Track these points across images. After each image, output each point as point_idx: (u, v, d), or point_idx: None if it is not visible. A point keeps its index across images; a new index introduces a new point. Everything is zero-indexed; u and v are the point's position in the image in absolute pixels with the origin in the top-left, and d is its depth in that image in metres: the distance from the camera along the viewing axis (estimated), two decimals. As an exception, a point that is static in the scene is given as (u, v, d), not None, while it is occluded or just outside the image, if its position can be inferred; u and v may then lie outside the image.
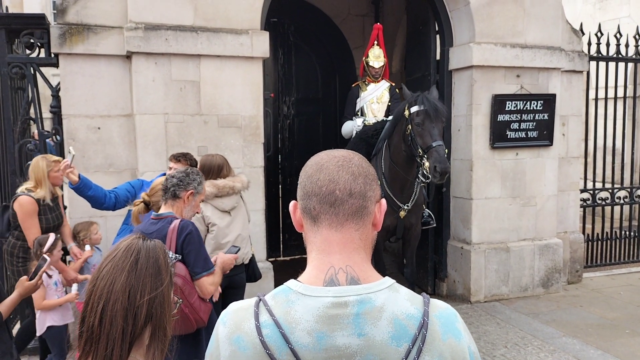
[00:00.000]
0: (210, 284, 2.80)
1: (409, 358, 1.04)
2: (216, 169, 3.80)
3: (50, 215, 4.16)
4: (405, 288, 1.14)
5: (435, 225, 5.82)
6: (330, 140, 8.10)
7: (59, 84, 4.87)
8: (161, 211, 2.85)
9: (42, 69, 4.96)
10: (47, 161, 4.11)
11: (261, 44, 5.04)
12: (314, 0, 8.10)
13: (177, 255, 2.68)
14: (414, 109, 4.71)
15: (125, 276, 1.27)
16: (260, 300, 1.12)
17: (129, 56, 4.84)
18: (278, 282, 5.58)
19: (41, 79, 4.94)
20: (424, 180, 4.94)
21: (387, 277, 1.13)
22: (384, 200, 1.20)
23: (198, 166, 3.92)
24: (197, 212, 3.02)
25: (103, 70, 4.87)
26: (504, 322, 5.38)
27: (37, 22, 4.83)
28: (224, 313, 1.18)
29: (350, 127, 6.09)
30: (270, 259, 5.99)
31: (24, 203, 4.03)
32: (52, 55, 4.79)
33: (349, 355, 1.04)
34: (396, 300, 1.08)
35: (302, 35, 8.10)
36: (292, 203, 1.22)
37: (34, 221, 4.03)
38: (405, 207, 5.15)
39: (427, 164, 4.60)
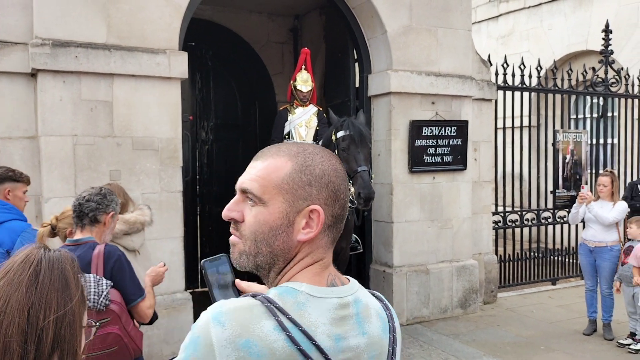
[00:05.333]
0: (148, 308, 2.67)
1: (396, 345, 1.12)
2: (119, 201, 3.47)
3: None
4: None
5: (362, 250, 5.83)
6: (250, 167, 7.96)
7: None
8: (77, 237, 2.62)
9: None
10: None
11: (179, 64, 4.89)
12: (233, 26, 8.05)
13: (109, 281, 2.50)
14: (340, 133, 4.72)
15: (22, 292, 1.03)
16: (265, 299, 1.00)
17: (34, 74, 4.51)
18: (197, 314, 5.31)
19: None
20: (350, 205, 4.94)
21: (351, 277, 1.16)
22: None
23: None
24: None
25: (4, 89, 4.50)
26: (427, 344, 5.41)
27: None
28: (217, 312, 0.99)
29: None
30: (187, 290, 5.71)
31: None
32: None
33: (359, 355, 1.05)
34: (369, 297, 1.14)
35: (220, 61, 8.00)
36: (316, 207, 1.05)
37: None
38: None
39: (352, 189, 4.59)
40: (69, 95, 4.53)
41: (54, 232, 2.72)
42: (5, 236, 3.31)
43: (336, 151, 4.74)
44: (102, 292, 2.41)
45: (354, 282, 1.12)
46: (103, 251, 2.53)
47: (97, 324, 2.28)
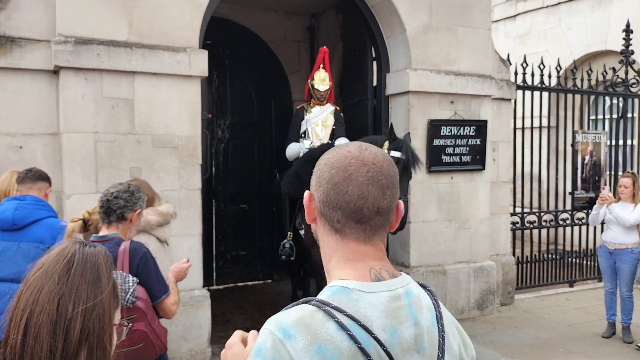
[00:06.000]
0: (172, 304, 2.69)
1: (444, 334, 1.13)
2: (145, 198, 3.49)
3: None
4: None
5: None
6: (266, 166, 7.98)
7: (-24, 98, 4.49)
8: (103, 233, 2.63)
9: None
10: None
11: (199, 63, 4.90)
12: (250, 24, 8.06)
13: (135, 278, 2.52)
14: (394, 154, 4.63)
15: (54, 283, 1.05)
16: (319, 302, 1.06)
17: (56, 71, 4.55)
18: (215, 311, 5.33)
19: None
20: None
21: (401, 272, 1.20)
22: (401, 203, 1.20)
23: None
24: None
25: (27, 86, 4.54)
26: (444, 345, 5.37)
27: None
28: (283, 326, 1.03)
29: (296, 148, 6.00)
30: (204, 287, 5.72)
31: None
32: (-30, 69, 4.43)
33: (412, 345, 1.09)
34: (420, 290, 1.17)
35: (237, 59, 8.00)
36: (307, 193, 1.19)
37: None
38: None
39: None
40: (91, 93, 4.55)
41: (86, 226, 2.74)
42: (46, 233, 3.33)
43: None
44: (129, 289, 2.42)
45: (405, 276, 1.17)
46: (129, 248, 2.54)
47: (130, 324, 2.30)
